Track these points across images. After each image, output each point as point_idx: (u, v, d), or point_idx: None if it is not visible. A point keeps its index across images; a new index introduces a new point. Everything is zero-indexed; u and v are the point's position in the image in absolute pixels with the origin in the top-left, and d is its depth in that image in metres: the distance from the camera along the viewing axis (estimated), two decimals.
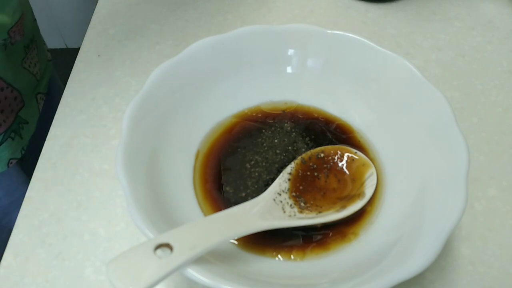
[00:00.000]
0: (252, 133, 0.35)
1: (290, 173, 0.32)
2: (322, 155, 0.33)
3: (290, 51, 0.36)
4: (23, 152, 0.45)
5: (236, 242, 0.30)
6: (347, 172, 0.33)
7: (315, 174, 0.33)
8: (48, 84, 0.52)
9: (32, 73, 0.47)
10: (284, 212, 0.30)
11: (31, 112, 0.47)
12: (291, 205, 0.31)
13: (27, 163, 0.46)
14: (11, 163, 0.44)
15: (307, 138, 0.35)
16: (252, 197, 0.31)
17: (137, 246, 0.24)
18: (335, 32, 0.35)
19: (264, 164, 0.33)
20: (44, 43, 0.54)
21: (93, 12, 0.48)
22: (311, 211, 0.31)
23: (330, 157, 0.33)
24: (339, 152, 0.34)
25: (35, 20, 0.49)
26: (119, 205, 0.34)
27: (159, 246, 0.24)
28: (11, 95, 0.43)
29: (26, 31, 0.44)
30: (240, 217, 0.28)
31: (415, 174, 0.31)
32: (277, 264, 0.29)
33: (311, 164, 0.33)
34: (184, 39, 0.45)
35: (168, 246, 0.24)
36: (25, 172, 0.47)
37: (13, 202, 0.46)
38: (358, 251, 0.29)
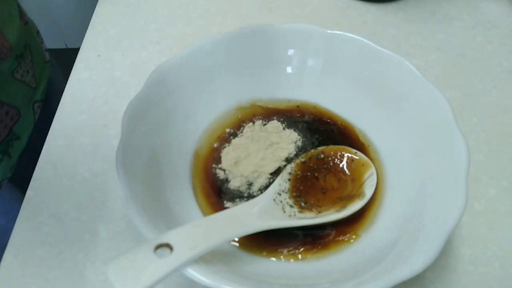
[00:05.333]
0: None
1: (290, 173, 0.32)
2: (322, 155, 0.33)
3: (290, 51, 0.36)
4: (12, 170, 0.43)
5: (236, 242, 0.30)
6: (347, 172, 0.33)
7: (315, 174, 0.33)
8: (46, 88, 0.48)
9: (25, 82, 0.43)
10: (284, 212, 0.30)
11: (26, 124, 0.44)
12: (291, 205, 0.31)
13: (20, 179, 0.43)
14: (3, 183, 0.42)
15: (307, 137, 0.35)
16: (252, 196, 0.31)
17: (137, 246, 0.24)
18: (335, 32, 0.35)
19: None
20: (42, 42, 0.50)
21: (93, 12, 0.48)
22: (311, 211, 0.31)
23: (330, 158, 0.33)
24: (339, 152, 0.34)
25: (26, 23, 0.45)
26: (119, 205, 0.34)
27: (159, 246, 0.24)
28: (1, 111, 0.40)
29: (13, 42, 0.41)
30: (240, 217, 0.28)
31: (415, 174, 0.31)
32: (277, 264, 0.29)
33: (311, 164, 0.33)
34: (184, 39, 0.45)
35: (168, 246, 0.24)
36: (19, 188, 0.44)
37: (10, 220, 0.41)
38: (358, 251, 0.29)
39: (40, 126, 0.46)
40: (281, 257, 0.29)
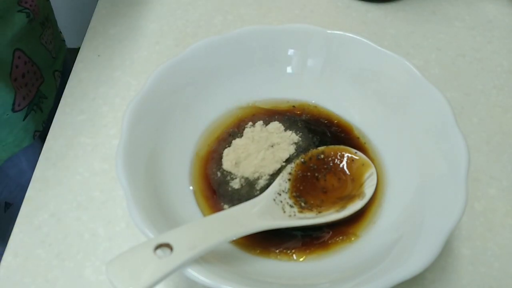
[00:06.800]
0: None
1: (290, 173, 0.32)
2: (322, 155, 0.33)
3: (290, 51, 0.36)
4: (43, 125, 0.47)
5: (236, 243, 0.30)
6: (347, 172, 0.33)
7: (315, 174, 0.33)
8: (63, 64, 0.54)
9: (48, 49, 0.48)
10: (284, 212, 0.30)
11: (49, 88, 0.49)
12: (291, 205, 0.31)
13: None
14: (36, 135, 0.46)
15: (308, 138, 0.35)
16: (252, 197, 0.31)
17: (137, 246, 0.24)
18: (335, 32, 0.35)
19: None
20: (57, 25, 0.56)
21: (93, 12, 0.48)
22: (311, 211, 0.31)
23: (330, 158, 0.33)
24: (339, 153, 0.34)
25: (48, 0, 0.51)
26: (119, 205, 0.34)
27: (159, 246, 0.24)
28: (31, 69, 0.45)
29: (40, 8, 0.46)
30: (240, 217, 0.28)
31: (415, 174, 0.31)
32: (277, 264, 0.29)
33: (311, 164, 0.33)
34: (184, 39, 0.45)
35: (168, 246, 0.24)
36: None
37: None
38: (358, 251, 0.29)
39: (62, 93, 0.51)
40: (281, 257, 0.29)
